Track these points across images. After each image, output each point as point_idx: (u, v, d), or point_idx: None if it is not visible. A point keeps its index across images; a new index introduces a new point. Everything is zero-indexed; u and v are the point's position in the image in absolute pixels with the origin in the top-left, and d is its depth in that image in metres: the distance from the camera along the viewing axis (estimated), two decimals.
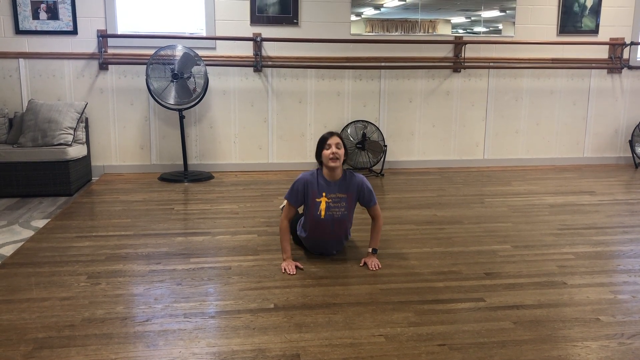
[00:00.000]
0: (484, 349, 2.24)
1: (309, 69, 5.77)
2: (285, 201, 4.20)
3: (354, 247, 3.43)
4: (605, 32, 6.15)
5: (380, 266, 3.09)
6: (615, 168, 6.24)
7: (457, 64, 5.97)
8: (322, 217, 3.07)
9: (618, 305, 2.66)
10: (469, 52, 5.95)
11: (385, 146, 5.86)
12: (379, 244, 3.22)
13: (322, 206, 3.06)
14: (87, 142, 5.38)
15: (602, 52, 6.21)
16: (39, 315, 2.50)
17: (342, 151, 3.05)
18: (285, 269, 3.02)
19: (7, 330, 2.36)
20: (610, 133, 6.44)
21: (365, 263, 3.12)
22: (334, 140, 3.04)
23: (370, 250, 3.18)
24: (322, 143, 3.07)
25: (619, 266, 3.20)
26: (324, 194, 3.07)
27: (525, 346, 2.26)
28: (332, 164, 3.03)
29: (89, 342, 2.27)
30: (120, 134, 5.61)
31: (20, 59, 5.33)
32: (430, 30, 5.92)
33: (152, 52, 5.21)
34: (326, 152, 3.04)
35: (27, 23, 5.26)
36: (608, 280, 2.98)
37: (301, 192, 3.11)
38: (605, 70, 6.26)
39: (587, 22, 6.11)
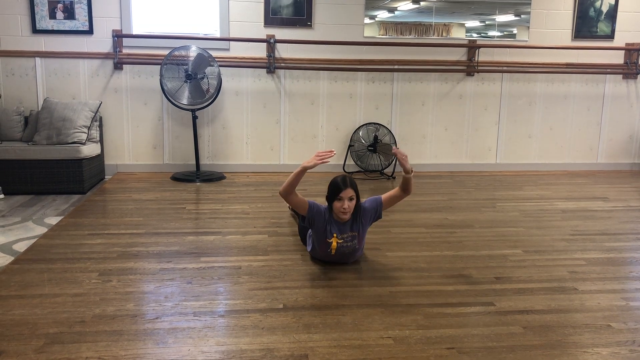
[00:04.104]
0: (493, 353, 2.23)
1: (321, 71, 5.78)
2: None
3: (366, 249, 3.42)
4: (621, 37, 6.10)
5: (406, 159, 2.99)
6: (630, 174, 6.18)
7: (470, 68, 5.95)
8: (333, 254, 3.04)
9: (630, 312, 2.64)
10: (483, 56, 5.93)
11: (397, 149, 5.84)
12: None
13: (333, 245, 3.00)
14: (101, 141, 5.43)
15: (618, 58, 6.16)
16: (50, 310, 2.53)
17: (353, 203, 2.95)
18: (318, 160, 2.84)
19: (20, 324, 2.39)
20: (625, 139, 6.38)
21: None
22: (347, 193, 2.92)
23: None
24: (335, 193, 2.94)
25: (631, 273, 3.17)
26: (335, 235, 3.00)
27: (534, 351, 2.25)
28: (342, 217, 2.96)
29: (99, 338, 2.29)
30: (134, 133, 5.66)
31: (36, 58, 5.39)
32: (444, 34, 5.92)
33: (166, 52, 5.25)
34: (337, 205, 2.94)
35: (44, 22, 5.32)
36: (620, 287, 2.95)
37: (315, 215, 2.99)
38: (621, 76, 6.21)
39: (602, 27, 6.07)
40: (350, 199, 2.94)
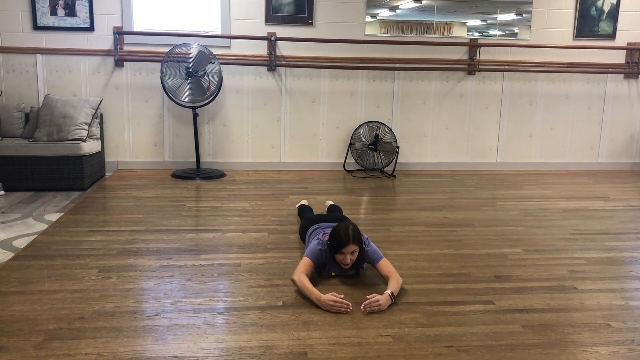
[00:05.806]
0: (492, 351, 2.23)
1: (322, 69, 5.78)
2: (301, 203, 4.22)
3: None
4: (623, 37, 6.10)
5: (381, 308, 2.57)
6: (631, 174, 6.17)
7: (471, 67, 5.94)
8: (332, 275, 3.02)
9: (629, 311, 2.64)
10: (484, 54, 5.92)
11: (398, 147, 5.85)
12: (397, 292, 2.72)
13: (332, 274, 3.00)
14: (102, 138, 5.43)
15: (619, 57, 6.16)
16: (50, 307, 2.53)
17: (355, 255, 2.85)
18: (332, 308, 2.56)
19: (19, 320, 2.39)
20: (626, 139, 6.38)
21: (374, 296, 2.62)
22: (349, 249, 2.80)
23: (388, 292, 2.66)
24: (338, 247, 2.82)
25: (631, 272, 3.17)
26: (333, 273, 2.97)
27: (534, 350, 2.25)
28: (343, 267, 2.90)
29: (98, 334, 2.29)
30: (135, 130, 5.66)
31: (37, 55, 5.39)
32: (445, 33, 5.91)
33: (167, 49, 5.25)
34: (339, 257, 2.86)
35: (45, 19, 5.32)
36: (620, 286, 2.95)
37: (315, 260, 2.89)
38: (622, 75, 6.20)
39: (604, 27, 6.06)
40: (353, 252, 2.84)
